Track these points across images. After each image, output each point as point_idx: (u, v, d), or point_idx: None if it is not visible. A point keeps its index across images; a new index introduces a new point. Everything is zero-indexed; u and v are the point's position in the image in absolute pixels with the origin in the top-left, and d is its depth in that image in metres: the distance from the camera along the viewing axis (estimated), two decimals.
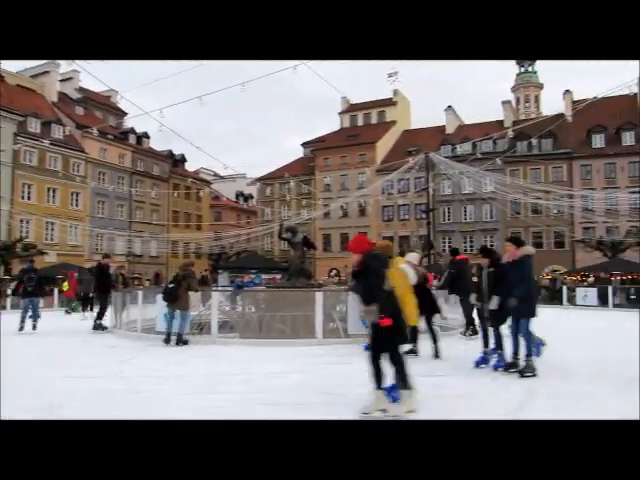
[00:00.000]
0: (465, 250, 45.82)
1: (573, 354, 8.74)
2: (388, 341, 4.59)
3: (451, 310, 13.37)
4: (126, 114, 47.54)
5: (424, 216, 32.36)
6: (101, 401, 5.13)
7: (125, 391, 5.63)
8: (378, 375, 4.61)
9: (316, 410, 4.84)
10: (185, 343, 9.63)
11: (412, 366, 4.79)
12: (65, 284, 22.67)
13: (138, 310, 11.59)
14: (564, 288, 26.35)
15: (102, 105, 52.26)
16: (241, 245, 47.67)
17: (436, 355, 8.06)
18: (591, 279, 30.46)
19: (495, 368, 6.99)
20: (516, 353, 6.68)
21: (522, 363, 6.56)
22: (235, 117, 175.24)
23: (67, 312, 20.75)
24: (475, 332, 10.68)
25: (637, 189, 39.11)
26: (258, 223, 50.30)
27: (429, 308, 8.24)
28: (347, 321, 9.87)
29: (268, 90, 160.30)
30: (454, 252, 12.07)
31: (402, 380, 4.60)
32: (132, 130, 51.31)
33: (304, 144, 60.71)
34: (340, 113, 59.46)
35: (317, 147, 56.26)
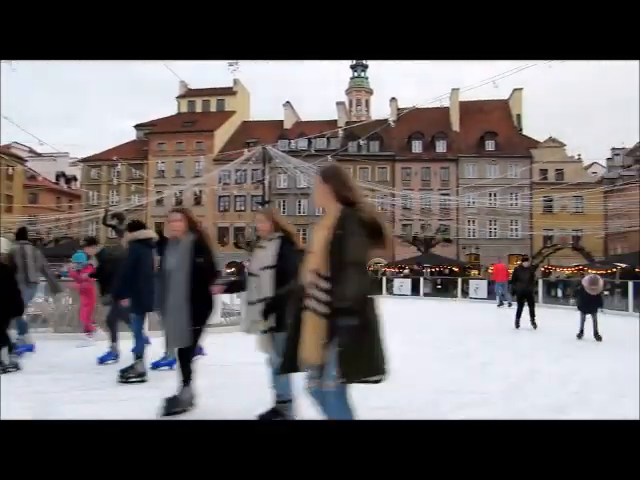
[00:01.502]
0: None
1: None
2: None
3: None
4: None
5: (260, 208, 32.76)
6: None
7: None
8: None
9: (134, 406, 4.65)
10: None
11: None
12: None
13: None
14: (384, 279, 28.73)
15: None
16: (61, 231, 43.36)
17: None
18: (406, 271, 33.69)
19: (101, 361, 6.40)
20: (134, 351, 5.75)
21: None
22: (59, 90, 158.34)
23: None
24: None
25: (446, 191, 44.32)
26: (82, 208, 46.25)
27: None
28: None
29: (99, 64, 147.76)
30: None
31: None
32: None
33: (137, 126, 57.23)
34: (178, 97, 57.24)
35: (151, 131, 53.45)
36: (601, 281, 9.39)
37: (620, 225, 43.04)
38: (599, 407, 4.59)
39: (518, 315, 11.31)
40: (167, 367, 6.17)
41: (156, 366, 6.19)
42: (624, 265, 25.59)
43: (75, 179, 60.80)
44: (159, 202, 46.39)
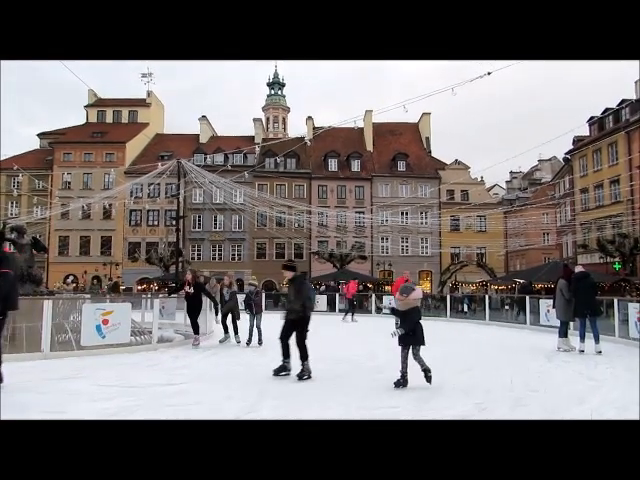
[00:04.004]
0: (214, 258, 46.71)
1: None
2: None
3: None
4: None
5: (174, 223, 31.86)
6: None
7: None
8: None
9: None
10: None
11: None
12: None
13: None
14: None
15: None
16: None
17: None
18: (322, 287, 34.09)
19: None
20: None
21: None
22: None
23: None
24: None
25: (361, 209, 45.59)
26: None
27: None
28: (81, 332, 9.08)
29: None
30: None
31: None
32: None
33: (41, 135, 53.89)
34: (86, 106, 54.64)
35: (57, 140, 50.51)
36: (416, 291, 6.32)
37: (518, 243, 46.43)
38: (501, 415, 4.89)
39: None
40: None
41: None
42: (522, 281, 27.51)
43: None
44: (64, 215, 43.84)
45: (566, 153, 42.72)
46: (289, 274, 7.51)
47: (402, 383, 6.23)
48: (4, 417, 4.69)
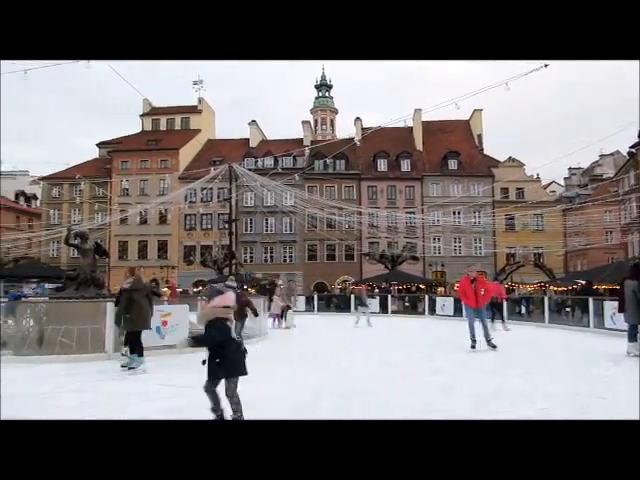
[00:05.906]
0: (265, 261, 47.36)
1: (357, 356, 9.63)
2: None
3: None
4: None
5: (227, 226, 32.51)
6: None
7: None
8: None
9: None
10: None
11: None
12: None
13: None
14: (352, 297, 28.76)
15: None
16: (20, 251, 41.96)
17: None
18: (377, 291, 33.87)
19: None
20: None
21: None
22: (18, 108, 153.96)
23: None
24: None
25: (411, 210, 45.03)
26: (42, 227, 45.05)
27: None
28: None
29: (59, 82, 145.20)
30: None
31: None
32: None
33: (100, 144, 56.28)
34: (141, 115, 56.64)
35: (115, 149, 52.63)
36: (224, 296, 4.59)
37: (578, 242, 44.53)
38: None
39: None
40: None
41: None
42: (584, 281, 26.34)
43: (35, 197, 59.19)
44: (123, 221, 45.56)
45: (631, 147, 40.59)
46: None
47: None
48: (77, 417, 4.88)
